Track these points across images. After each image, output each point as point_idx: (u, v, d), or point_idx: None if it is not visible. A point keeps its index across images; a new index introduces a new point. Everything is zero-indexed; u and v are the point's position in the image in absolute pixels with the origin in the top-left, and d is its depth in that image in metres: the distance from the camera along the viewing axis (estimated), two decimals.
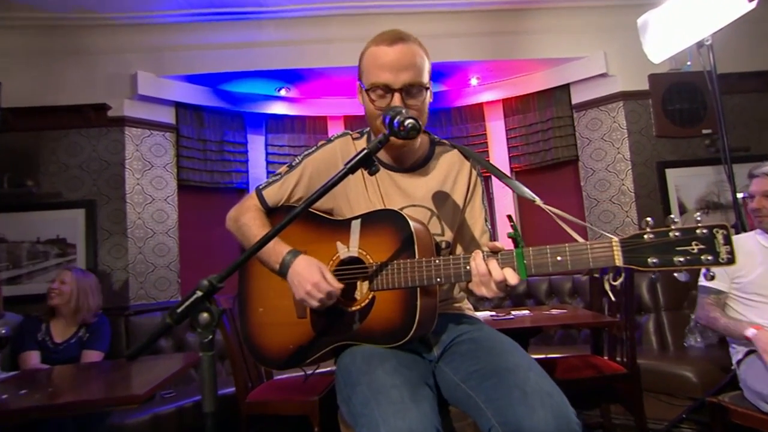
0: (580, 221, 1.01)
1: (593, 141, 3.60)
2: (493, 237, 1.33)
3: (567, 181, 3.77)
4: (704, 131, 3.27)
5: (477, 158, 1.30)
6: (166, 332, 0.89)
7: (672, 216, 0.90)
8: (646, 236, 0.89)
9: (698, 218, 0.87)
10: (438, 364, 1.18)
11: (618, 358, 2.44)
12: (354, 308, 1.15)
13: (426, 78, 1.19)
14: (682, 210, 3.44)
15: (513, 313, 2.60)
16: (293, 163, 1.30)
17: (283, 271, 1.15)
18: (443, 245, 1.26)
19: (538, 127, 3.81)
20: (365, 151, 1.00)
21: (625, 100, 3.47)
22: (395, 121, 1.03)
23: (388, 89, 1.16)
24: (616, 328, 2.40)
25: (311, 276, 1.11)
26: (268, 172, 3.84)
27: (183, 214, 3.45)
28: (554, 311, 2.61)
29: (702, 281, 2.11)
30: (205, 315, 0.82)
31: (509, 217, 0.99)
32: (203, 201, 3.60)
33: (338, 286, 1.12)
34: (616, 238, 0.92)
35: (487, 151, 3.97)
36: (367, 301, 1.14)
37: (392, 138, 1.06)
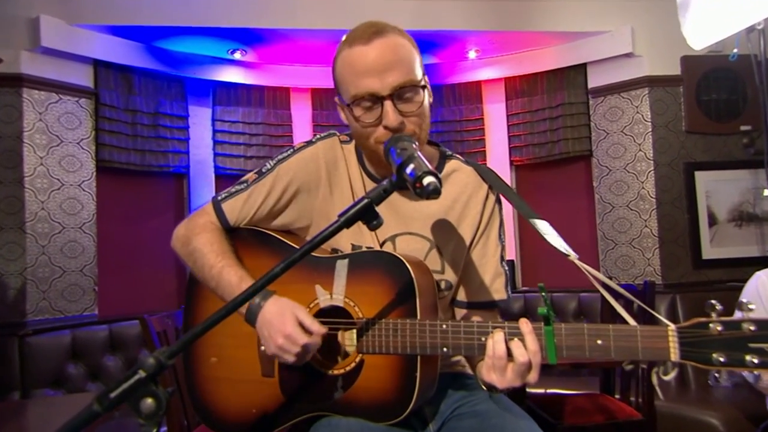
0: (626, 293, 0.97)
1: (611, 134, 3.42)
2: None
3: (576, 181, 3.62)
4: (742, 128, 3.14)
5: (497, 183, 1.18)
6: (93, 421, 0.74)
7: (744, 300, 0.87)
8: (712, 326, 0.82)
9: None
10: None
11: (632, 398, 2.37)
12: (336, 372, 1.07)
13: (419, 74, 1.08)
14: (712, 221, 3.26)
15: None
16: (263, 170, 1.19)
17: (250, 319, 1.05)
18: (443, 286, 1.17)
19: (546, 113, 3.62)
20: (365, 201, 0.89)
21: (651, 87, 3.28)
22: (408, 169, 0.90)
23: (375, 98, 1.05)
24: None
25: (282, 326, 1.00)
26: (215, 154, 3.59)
27: (103, 204, 3.11)
28: None
29: (737, 314, 1.90)
30: (149, 401, 0.73)
31: (541, 287, 0.91)
32: (130, 188, 3.30)
33: (319, 331, 1.01)
34: (672, 326, 0.85)
35: (484, 139, 3.81)
36: (353, 364, 1.06)
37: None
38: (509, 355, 0.91)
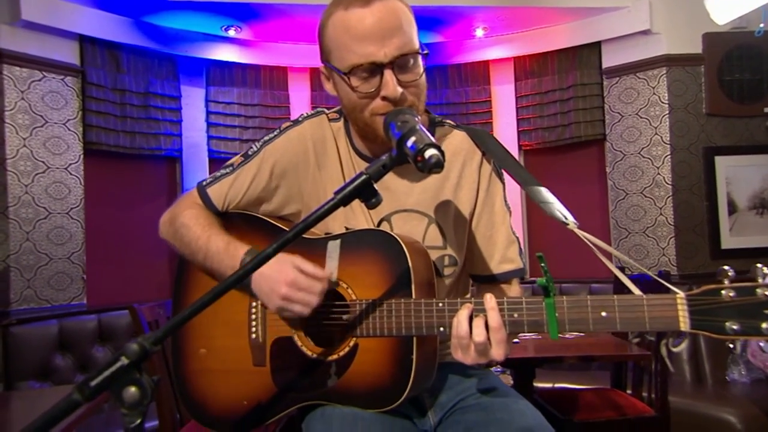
0: (633, 261, 0.96)
1: (626, 117, 3.37)
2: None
3: (588, 167, 3.60)
4: (766, 110, 3.08)
5: (492, 148, 1.16)
6: (73, 411, 0.72)
7: (759, 265, 0.80)
8: (724, 292, 0.80)
9: None
10: None
11: (644, 393, 2.34)
12: (329, 357, 1.06)
13: (417, 42, 1.06)
14: (732, 209, 3.19)
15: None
16: (249, 152, 1.19)
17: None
18: (446, 262, 1.14)
19: (557, 95, 3.59)
20: (363, 177, 0.87)
21: (670, 67, 3.22)
22: (409, 143, 0.89)
23: (375, 67, 1.01)
24: (644, 359, 2.33)
25: (283, 275, 0.99)
26: (209, 137, 3.57)
27: (91, 188, 3.10)
28: (568, 335, 2.44)
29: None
30: (132, 390, 0.71)
31: (539, 257, 0.89)
32: (120, 172, 3.28)
33: (322, 274, 1.00)
34: (681, 294, 0.83)
35: (491, 122, 3.76)
36: (347, 349, 1.04)
37: (383, 134, 1.01)
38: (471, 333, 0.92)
